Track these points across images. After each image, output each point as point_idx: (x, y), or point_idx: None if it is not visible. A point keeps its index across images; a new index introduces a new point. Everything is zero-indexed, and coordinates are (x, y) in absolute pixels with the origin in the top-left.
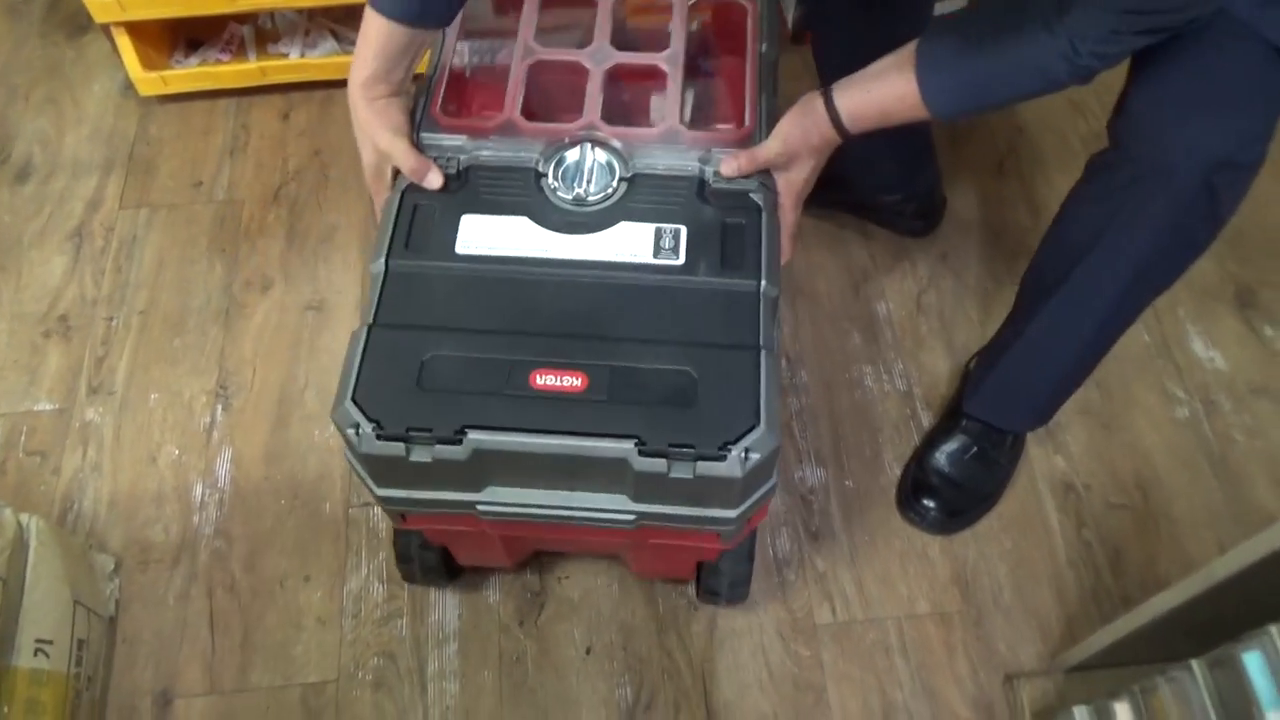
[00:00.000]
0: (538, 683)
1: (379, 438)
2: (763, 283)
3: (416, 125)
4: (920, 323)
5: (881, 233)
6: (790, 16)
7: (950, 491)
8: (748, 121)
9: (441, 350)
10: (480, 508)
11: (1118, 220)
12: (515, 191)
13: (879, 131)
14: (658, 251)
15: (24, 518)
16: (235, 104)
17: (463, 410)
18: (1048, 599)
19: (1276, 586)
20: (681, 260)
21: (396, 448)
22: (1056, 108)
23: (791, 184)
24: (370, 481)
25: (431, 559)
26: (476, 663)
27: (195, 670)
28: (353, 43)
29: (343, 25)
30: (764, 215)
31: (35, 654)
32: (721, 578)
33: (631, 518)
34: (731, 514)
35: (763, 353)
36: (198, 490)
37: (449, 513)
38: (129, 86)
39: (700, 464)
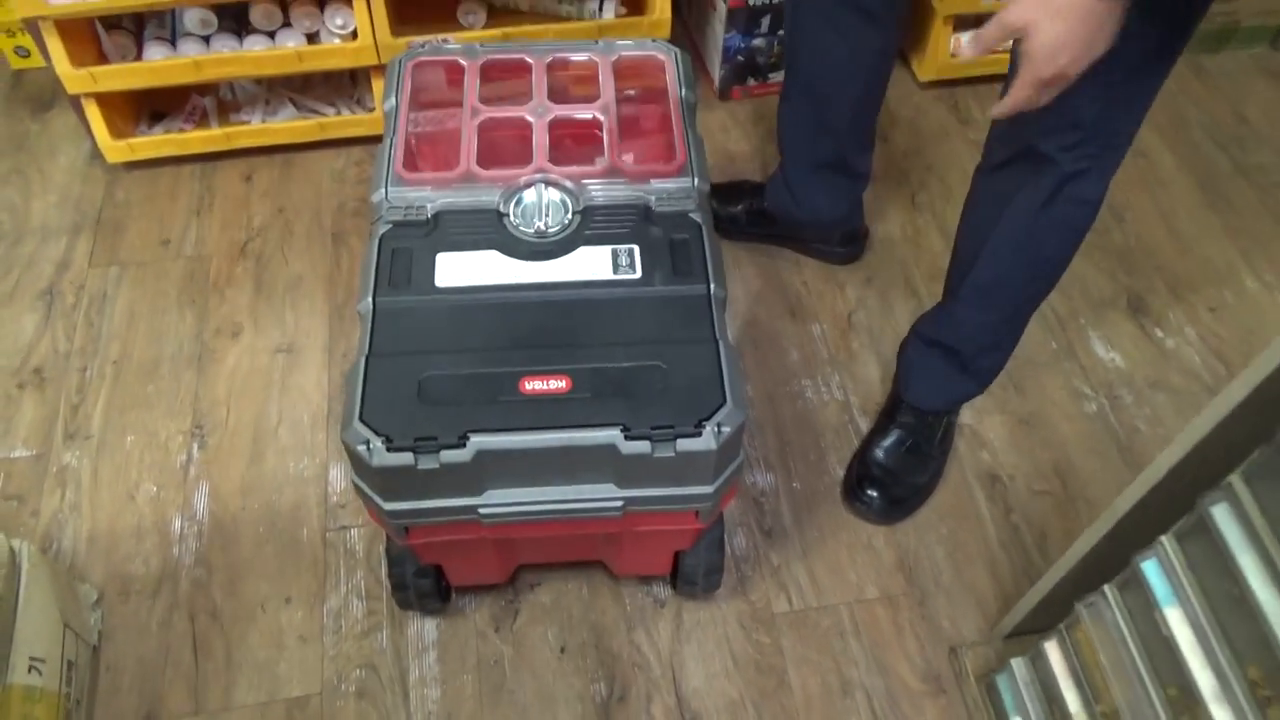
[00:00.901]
0: (516, 684)
1: (389, 450)
2: (711, 285)
3: (384, 183)
4: (851, 339)
5: (811, 262)
6: (716, 75)
7: (890, 481)
8: (678, 155)
9: (436, 370)
10: (482, 511)
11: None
12: (483, 230)
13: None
14: (616, 269)
15: (15, 542)
16: (199, 169)
17: (463, 419)
18: (983, 577)
19: (1167, 521)
20: (639, 274)
21: (406, 458)
22: (960, 149)
23: (1030, 54)
24: (378, 499)
25: (426, 585)
26: (456, 668)
27: (180, 692)
28: (311, 110)
29: (301, 95)
30: (703, 230)
31: (29, 671)
32: (698, 567)
33: (619, 504)
34: (708, 489)
35: (720, 344)
36: (176, 524)
37: (453, 520)
38: (94, 156)
39: (680, 441)
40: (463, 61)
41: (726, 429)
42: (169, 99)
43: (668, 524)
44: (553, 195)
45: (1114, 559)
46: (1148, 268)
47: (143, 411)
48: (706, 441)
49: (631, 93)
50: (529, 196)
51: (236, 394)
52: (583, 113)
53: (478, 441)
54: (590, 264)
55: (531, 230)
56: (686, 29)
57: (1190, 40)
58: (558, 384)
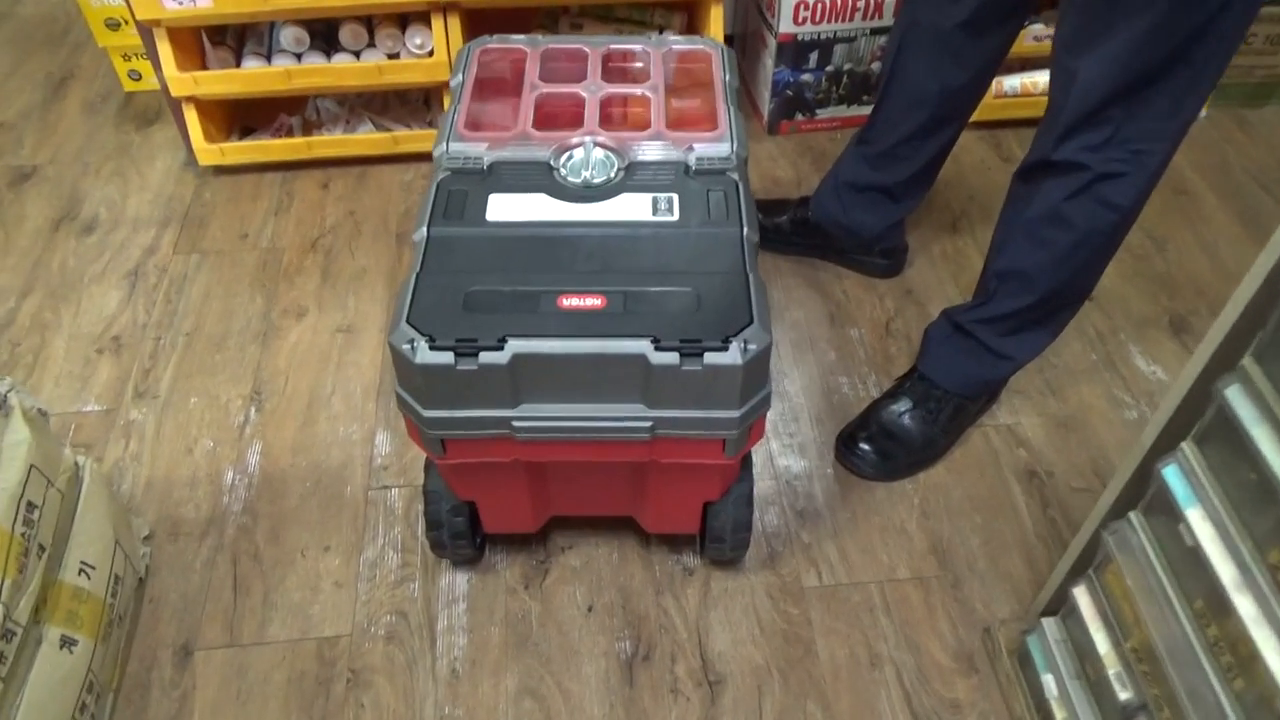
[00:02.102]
0: (541, 637)
1: (432, 348)
2: (745, 229)
3: (445, 140)
4: (889, 344)
5: (852, 274)
6: (765, 110)
7: (884, 439)
8: (720, 126)
9: (481, 286)
10: (516, 424)
11: (1029, 183)
12: (533, 178)
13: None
14: (655, 211)
15: (80, 458)
16: (281, 177)
17: (503, 325)
18: (1019, 566)
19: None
20: (676, 217)
21: (447, 357)
22: (1001, 181)
23: None
24: (418, 405)
25: (460, 524)
26: (483, 619)
27: (216, 626)
28: (388, 128)
29: (379, 115)
30: (739, 187)
31: (79, 573)
32: (725, 523)
33: (648, 424)
34: (735, 413)
35: (750, 275)
36: (229, 476)
37: (487, 434)
38: (187, 164)
39: (708, 355)
40: (526, 49)
41: (753, 347)
42: (260, 115)
43: (695, 455)
44: (599, 153)
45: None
46: (1189, 292)
47: (207, 377)
48: (733, 356)
49: (677, 80)
50: (578, 153)
51: (296, 366)
52: (633, 90)
53: (515, 345)
54: (631, 207)
55: (579, 180)
56: (737, 65)
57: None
58: (593, 301)
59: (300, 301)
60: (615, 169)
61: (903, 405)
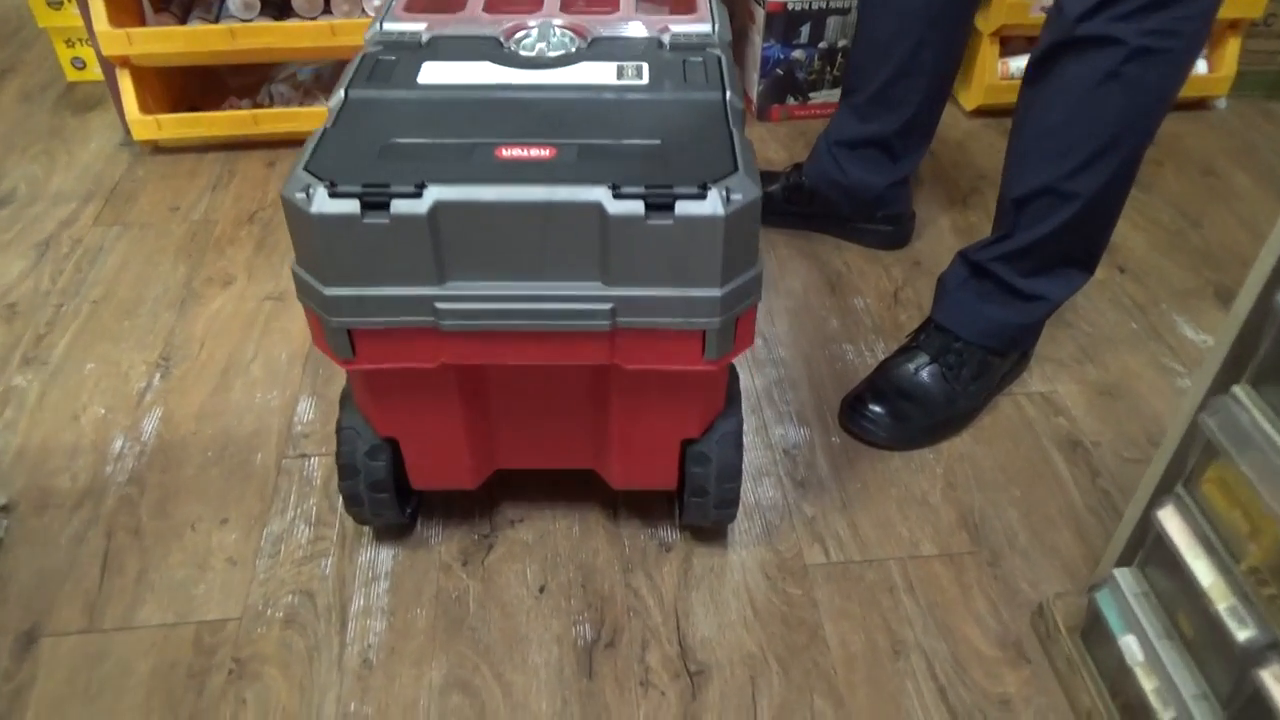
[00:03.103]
0: (479, 620)
1: (332, 195)
2: (728, 93)
3: (379, 21)
4: (899, 312)
5: (853, 246)
6: (755, 92)
7: (899, 399)
8: (700, 9)
9: (405, 138)
10: (441, 306)
11: (1048, 79)
12: (478, 50)
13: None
14: (621, 77)
15: None
16: (224, 156)
17: (424, 171)
18: (1069, 540)
19: None
20: (646, 81)
21: (350, 206)
22: None
23: None
24: (316, 282)
25: (380, 470)
26: (409, 600)
27: (73, 609)
28: None
29: None
30: (722, 58)
31: None
32: (710, 465)
33: (607, 307)
34: (716, 292)
35: (734, 132)
36: (118, 444)
37: (406, 321)
38: (124, 144)
39: (680, 205)
40: None
41: (738, 196)
42: (207, 101)
43: (668, 357)
44: (558, 31)
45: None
46: (1233, 264)
47: (110, 344)
48: (713, 205)
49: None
50: (533, 30)
51: (216, 332)
52: None
53: (438, 193)
54: (591, 74)
55: (532, 53)
56: None
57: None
58: (540, 153)
59: (228, 270)
60: (575, 46)
61: (919, 360)
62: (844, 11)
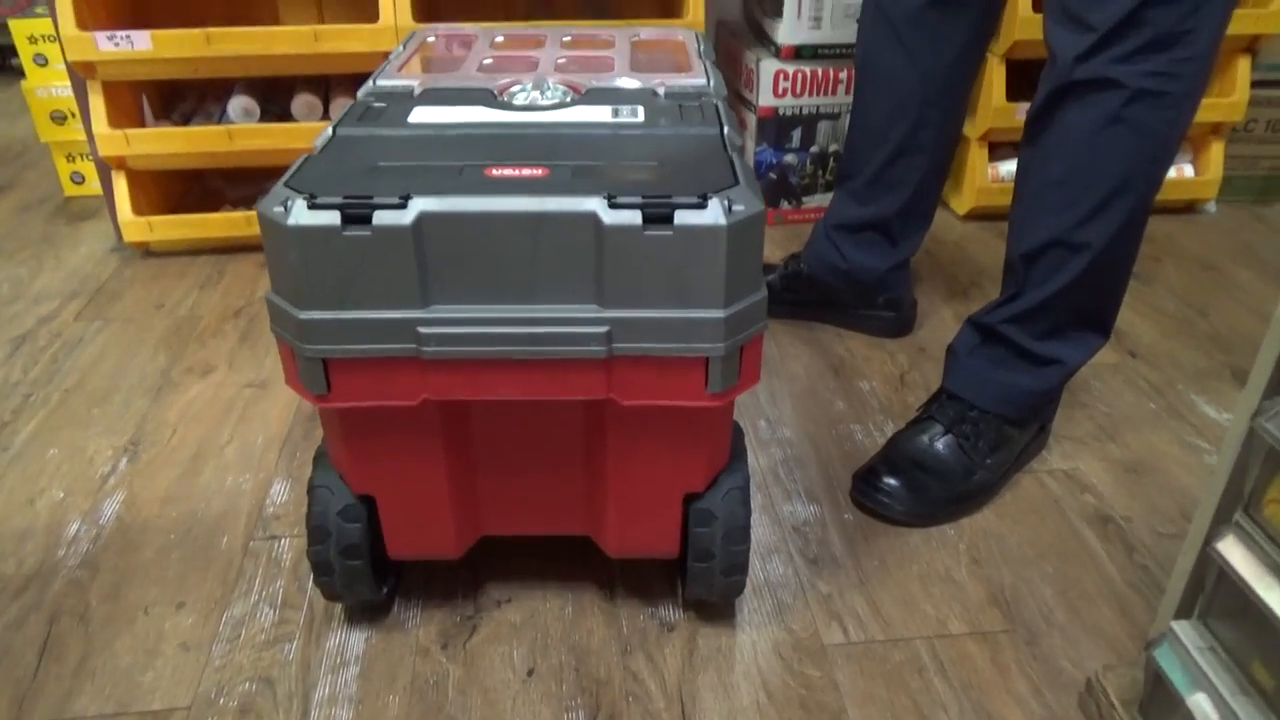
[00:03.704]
0: (458, 708)
1: (311, 207)
2: (725, 129)
3: (373, 79)
4: (906, 394)
5: (857, 335)
6: None
7: (913, 471)
8: (693, 68)
9: (392, 162)
10: (424, 330)
11: (1048, 131)
12: (470, 98)
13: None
14: (616, 115)
15: None
16: (215, 258)
17: (408, 184)
18: (1111, 617)
19: None
20: (641, 119)
21: (330, 218)
22: None
23: None
24: (291, 307)
25: (354, 533)
26: (379, 687)
27: (0, 700)
28: None
29: None
30: (719, 106)
31: None
32: (715, 525)
33: (602, 330)
34: (719, 314)
35: (732, 154)
36: (73, 528)
37: (386, 349)
38: (114, 249)
39: (680, 215)
40: (476, 34)
41: (741, 208)
42: (202, 209)
43: (668, 390)
44: (552, 85)
45: None
46: (1246, 347)
47: (76, 430)
48: (714, 215)
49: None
50: (528, 84)
51: (190, 419)
52: (595, 53)
53: (423, 204)
54: (586, 114)
55: (525, 101)
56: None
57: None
58: (532, 171)
59: (209, 360)
60: (570, 97)
61: (933, 431)
62: (834, 116)
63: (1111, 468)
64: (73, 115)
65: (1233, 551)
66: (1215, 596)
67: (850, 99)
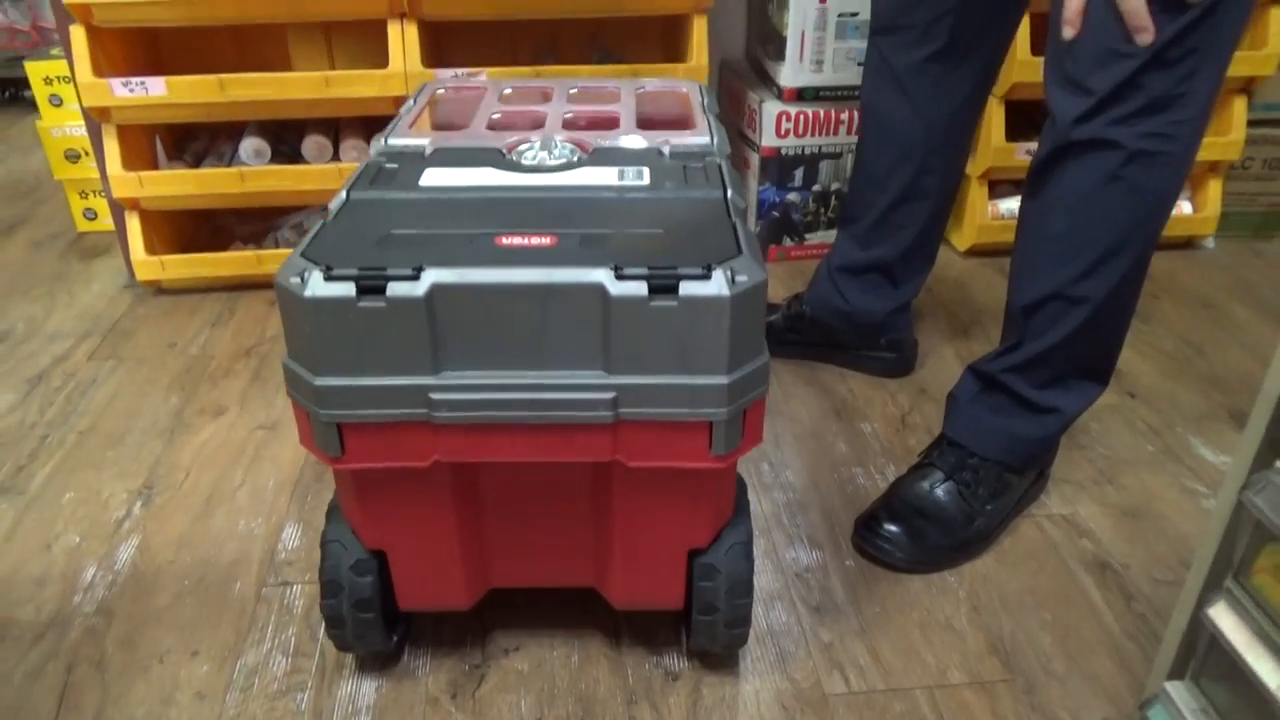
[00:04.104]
0: None
1: (328, 279)
2: (729, 191)
3: (384, 137)
4: (908, 436)
5: (858, 375)
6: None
7: (913, 518)
8: (698, 125)
9: (404, 230)
10: (435, 396)
11: (1048, 187)
12: (480, 159)
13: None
14: (622, 178)
15: None
16: (226, 295)
17: (421, 256)
18: (1109, 667)
19: None
20: (647, 181)
21: (346, 289)
22: None
23: None
24: (307, 373)
25: (366, 587)
26: None
27: None
28: None
29: None
30: (722, 166)
31: None
32: (719, 580)
33: (609, 396)
34: (722, 380)
35: (735, 221)
36: (89, 573)
37: (399, 414)
38: (127, 286)
39: (684, 285)
40: (486, 86)
41: (744, 278)
42: (212, 246)
43: (673, 452)
44: (559, 144)
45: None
46: (1243, 389)
47: (92, 472)
48: (718, 286)
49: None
50: (536, 142)
51: (203, 461)
52: (601, 108)
53: (436, 275)
54: (593, 177)
55: (533, 161)
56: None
57: None
58: (540, 240)
59: (221, 401)
60: (577, 156)
61: (933, 478)
62: (836, 156)
63: (1110, 512)
64: (86, 154)
65: (1223, 618)
66: (1207, 659)
67: (852, 139)
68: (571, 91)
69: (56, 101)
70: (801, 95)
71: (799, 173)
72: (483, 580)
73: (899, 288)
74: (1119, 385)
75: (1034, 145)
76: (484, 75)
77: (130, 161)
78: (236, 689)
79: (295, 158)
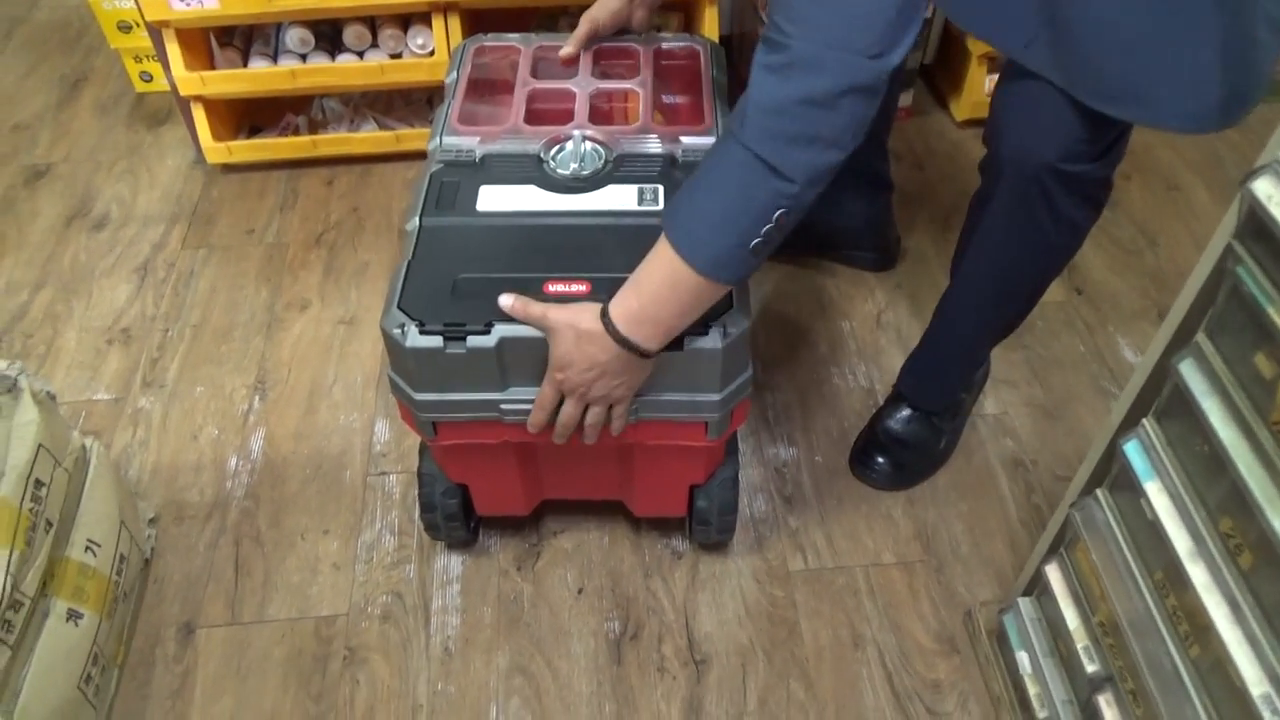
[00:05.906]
0: (533, 618)
1: (422, 333)
2: None
3: (439, 134)
4: (880, 335)
5: (843, 269)
6: None
7: (897, 449)
8: (706, 119)
9: (470, 273)
10: (504, 407)
11: (978, 215)
12: (523, 169)
13: (845, 178)
14: (641, 202)
15: (88, 440)
16: (286, 175)
17: (490, 310)
18: (1002, 551)
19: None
20: (660, 207)
21: (436, 341)
22: None
23: (559, 375)
24: (409, 389)
25: (453, 506)
26: (476, 600)
27: (218, 605)
28: (391, 127)
29: (383, 115)
30: None
31: (86, 550)
32: (711, 505)
33: (632, 405)
34: (716, 396)
35: None
36: (232, 462)
37: (476, 417)
38: (196, 163)
39: (688, 339)
40: (519, 46)
41: (733, 331)
42: (266, 116)
43: (678, 437)
44: (588, 146)
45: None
46: (1179, 286)
47: (213, 368)
48: (713, 341)
49: (667, 77)
50: (568, 146)
51: (299, 357)
52: (622, 85)
53: (502, 330)
54: (617, 198)
55: (567, 171)
56: (725, 63)
57: None
58: (578, 287)
59: (304, 295)
60: (603, 160)
61: (904, 411)
62: None
63: (1034, 413)
64: (137, 25)
65: (1054, 574)
66: (1043, 592)
67: None
68: (594, 52)
69: None
70: None
71: None
72: (537, 495)
73: (878, 188)
74: (1068, 280)
75: None
76: None
77: (190, 62)
78: (361, 561)
79: (336, 41)
